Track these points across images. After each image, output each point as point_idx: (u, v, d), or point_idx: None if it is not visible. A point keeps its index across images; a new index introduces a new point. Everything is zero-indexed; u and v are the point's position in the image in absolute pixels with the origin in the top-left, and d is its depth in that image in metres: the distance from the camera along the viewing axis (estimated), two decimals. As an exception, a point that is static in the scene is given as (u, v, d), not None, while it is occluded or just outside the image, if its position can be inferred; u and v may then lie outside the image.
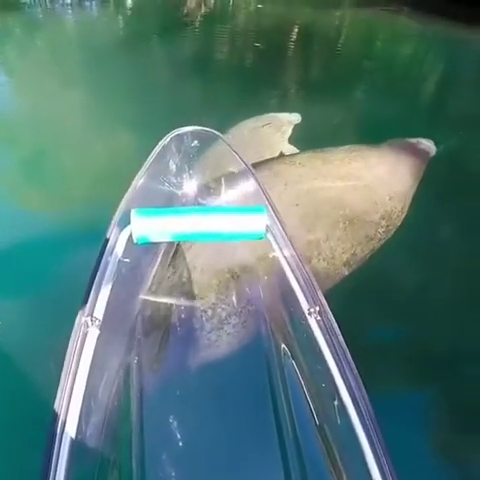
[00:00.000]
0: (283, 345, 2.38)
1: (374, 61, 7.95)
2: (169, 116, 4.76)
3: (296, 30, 9.33)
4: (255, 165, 3.52)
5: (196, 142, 2.94)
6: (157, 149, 2.85)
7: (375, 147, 4.39)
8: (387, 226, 3.61)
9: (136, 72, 6.85)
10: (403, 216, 3.77)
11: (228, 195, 2.94)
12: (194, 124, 2.97)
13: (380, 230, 3.57)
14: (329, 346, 1.96)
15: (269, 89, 6.39)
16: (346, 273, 3.21)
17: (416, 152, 4.55)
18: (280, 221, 2.45)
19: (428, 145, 4.70)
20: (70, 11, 10.25)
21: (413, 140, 4.71)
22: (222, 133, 3.17)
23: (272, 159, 4.31)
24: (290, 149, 4.73)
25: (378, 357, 2.77)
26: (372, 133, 4.90)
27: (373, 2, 10.10)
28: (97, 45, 7.99)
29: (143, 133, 2.96)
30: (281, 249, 2.34)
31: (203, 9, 10.61)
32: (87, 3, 10.69)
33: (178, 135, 2.91)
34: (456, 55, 8.16)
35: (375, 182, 3.88)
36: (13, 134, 5.24)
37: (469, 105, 6.16)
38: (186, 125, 2.97)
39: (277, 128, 5.12)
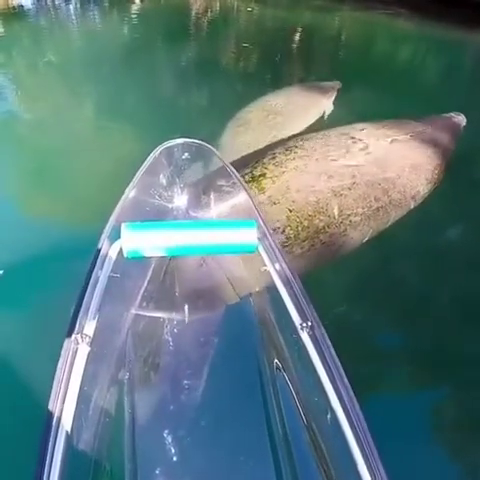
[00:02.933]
0: (275, 359, 2.41)
1: (382, 57, 8.36)
2: (182, 122, 5.25)
3: (299, 33, 9.54)
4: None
5: (187, 154, 2.97)
6: (147, 162, 2.87)
7: (411, 121, 5.03)
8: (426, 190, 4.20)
9: (145, 79, 7.02)
10: (441, 178, 4.38)
11: (219, 208, 2.98)
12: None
13: (420, 194, 4.15)
14: (321, 360, 1.97)
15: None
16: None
17: (450, 124, 5.35)
18: (271, 235, 2.47)
19: (459, 118, 5.46)
20: (74, 19, 10.42)
21: (446, 115, 5.48)
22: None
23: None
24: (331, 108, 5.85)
25: (372, 368, 2.86)
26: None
27: (371, 6, 10.32)
28: (103, 52, 8.13)
29: (152, 142, 3.03)
30: (272, 263, 2.36)
31: (209, 14, 10.74)
32: (91, 12, 10.78)
33: (168, 147, 2.94)
34: (456, 54, 8.53)
35: (415, 153, 4.50)
36: (14, 140, 5.34)
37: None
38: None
39: (323, 92, 6.18)
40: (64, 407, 1.77)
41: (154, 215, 2.88)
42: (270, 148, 4.45)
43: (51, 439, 1.68)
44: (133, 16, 10.45)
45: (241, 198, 2.83)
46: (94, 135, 5.47)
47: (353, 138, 4.49)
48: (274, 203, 3.54)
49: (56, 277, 3.04)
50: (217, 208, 2.99)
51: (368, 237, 3.69)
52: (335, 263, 3.58)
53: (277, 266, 2.35)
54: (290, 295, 2.22)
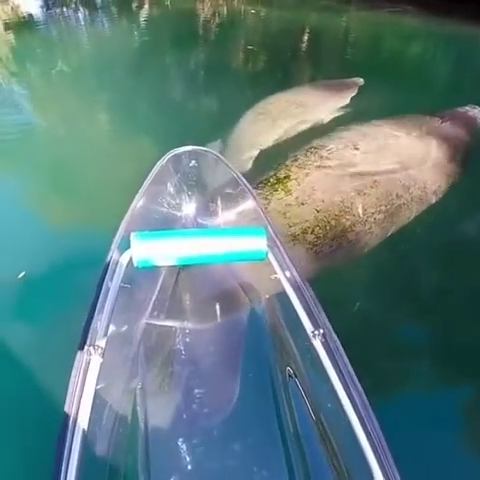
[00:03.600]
0: (288, 367, 2.40)
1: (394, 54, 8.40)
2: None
3: (308, 33, 9.56)
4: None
5: (194, 162, 2.97)
6: (155, 170, 2.88)
7: (428, 116, 5.23)
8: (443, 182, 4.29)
9: (156, 83, 7.08)
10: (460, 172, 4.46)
11: (228, 215, 2.98)
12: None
13: (441, 189, 4.24)
14: (334, 368, 1.97)
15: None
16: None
17: (467, 118, 5.46)
18: (281, 241, 2.47)
19: (475, 111, 5.55)
20: (84, 27, 10.49)
21: (462, 109, 5.61)
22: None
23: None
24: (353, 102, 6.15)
25: (386, 374, 2.85)
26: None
27: (378, 5, 10.31)
28: (113, 59, 8.19)
29: (166, 147, 3.06)
30: (283, 270, 2.36)
31: (217, 18, 10.79)
32: (99, 19, 10.85)
33: (176, 155, 2.95)
34: (466, 49, 8.49)
35: (434, 148, 4.66)
36: (27, 149, 5.36)
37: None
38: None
39: (346, 86, 6.53)
40: (78, 418, 1.79)
41: (163, 224, 2.89)
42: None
43: (66, 449, 1.70)
44: (142, 22, 10.51)
45: (249, 205, 2.83)
46: (108, 142, 5.52)
47: (372, 136, 4.70)
48: (302, 204, 3.74)
49: (67, 288, 3.06)
50: (225, 215, 2.99)
51: (391, 232, 3.81)
52: (355, 260, 3.65)
53: (287, 273, 2.35)
54: (301, 302, 2.23)
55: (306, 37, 9.38)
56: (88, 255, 2.71)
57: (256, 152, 5.03)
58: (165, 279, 2.73)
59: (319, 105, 6.00)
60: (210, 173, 3.00)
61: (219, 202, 3.04)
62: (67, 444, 1.72)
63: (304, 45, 9.12)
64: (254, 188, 3.76)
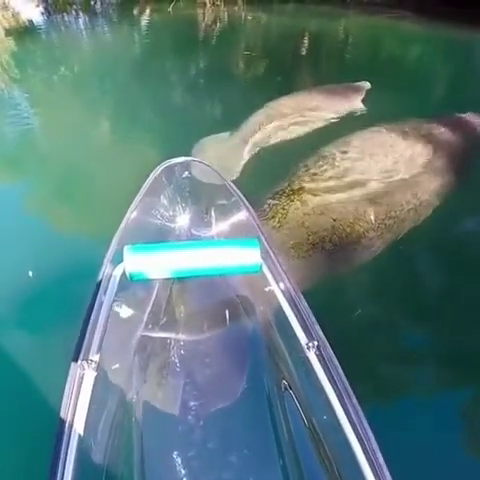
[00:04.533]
0: (283, 380, 2.39)
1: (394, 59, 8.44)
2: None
3: (308, 39, 9.61)
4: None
5: (187, 173, 2.98)
6: (148, 182, 2.89)
7: (432, 121, 5.34)
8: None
9: (158, 90, 7.14)
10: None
11: (222, 227, 2.97)
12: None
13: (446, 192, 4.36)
14: (329, 380, 1.98)
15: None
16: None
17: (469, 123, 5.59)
18: (275, 253, 2.47)
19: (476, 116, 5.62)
20: (85, 34, 10.54)
21: (464, 114, 5.70)
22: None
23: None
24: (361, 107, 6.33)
25: (381, 386, 2.84)
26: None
27: (376, 10, 10.34)
28: (114, 65, 8.27)
29: (167, 154, 3.09)
30: (277, 282, 2.36)
31: (218, 24, 10.82)
32: (100, 26, 10.90)
33: (168, 167, 2.95)
34: (462, 54, 8.51)
35: (439, 152, 4.79)
36: (29, 157, 5.47)
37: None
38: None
39: (353, 90, 6.71)
40: (72, 433, 1.79)
41: (156, 236, 2.88)
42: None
43: (61, 463, 1.71)
44: (143, 29, 10.57)
45: (243, 216, 2.82)
46: (108, 150, 5.56)
47: (378, 142, 4.91)
48: (319, 214, 3.93)
49: (59, 301, 3.06)
50: (219, 226, 2.99)
51: (401, 236, 3.96)
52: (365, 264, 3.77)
53: (282, 285, 2.35)
54: (296, 315, 2.23)
55: (307, 42, 9.42)
56: (82, 267, 2.70)
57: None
58: (159, 292, 2.72)
59: (328, 109, 6.13)
60: (203, 184, 3.00)
61: (213, 213, 3.04)
62: (61, 459, 1.72)
63: (305, 50, 9.16)
64: (270, 198, 4.11)
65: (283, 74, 7.68)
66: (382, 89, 6.55)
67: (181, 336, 2.63)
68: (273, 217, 3.88)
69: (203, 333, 2.64)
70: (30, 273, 3.39)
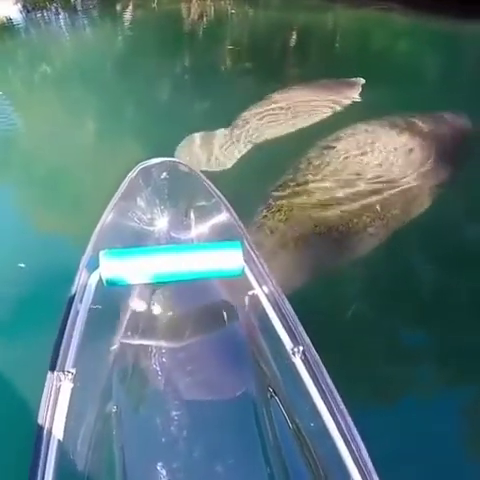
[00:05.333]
0: (268, 386, 2.36)
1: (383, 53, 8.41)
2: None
3: (296, 33, 9.48)
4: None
5: (165, 174, 2.90)
6: (124, 184, 2.83)
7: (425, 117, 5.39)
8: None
9: (142, 88, 6.99)
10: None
11: (202, 229, 2.92)
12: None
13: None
14: (316, 386, 1.96)
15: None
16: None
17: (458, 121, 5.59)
18: (257, 255, 2.45)
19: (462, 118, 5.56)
20: (65, 31, 10.27)
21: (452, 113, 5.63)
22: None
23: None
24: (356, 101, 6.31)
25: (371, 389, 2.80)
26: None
27: (364, 3, 10.28)
28: (97, 63, 8.06)
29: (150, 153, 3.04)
30: (260, 286, 2.35)
31: (205, 19, 10.71)
32: (81, 23, 10.63)
33: (146, 168, 2.89)
34: (451, 47, 8.44)
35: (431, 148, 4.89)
36: (9, 158, 5.33)
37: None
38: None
39: (348, 86, 6.71)
40: (49, 448, 1.75)
41: (134, 240, 2.82)
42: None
43: (39, 478, 1.66)
44: (126, 25, 10.37)
45: (224, 218, 2.78)
46: (89, 150, 5.47)
47: (372, 137, 4.97)
48: (326, 205, 4.08)
49: (34, 310, 2.99)
50: (200, 229, 2.93)
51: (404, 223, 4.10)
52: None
53: (265, 289, 2.33)
54: (280, 319, 2.21)
55: (295, 36, 9.31)
56: (59, 273, 2.64)
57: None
58: (138, 297, 2.67)
59: (322, 104, 6.17)
60: (182, 185, 2.93)
61: (193, 215, 2.97)
62: (39, 475, 1.67)
63: (294, 44, 9.05)
64: (273, 191, 4.24)
65: (272, 69, 7.59)
66: (373, 84, 6.53)
67: (162, 343, 2.58)
68: (279, 210, 3.98)
69: (185, 340, 2.58)
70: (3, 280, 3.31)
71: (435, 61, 7.99)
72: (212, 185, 2.89)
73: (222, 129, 5.59)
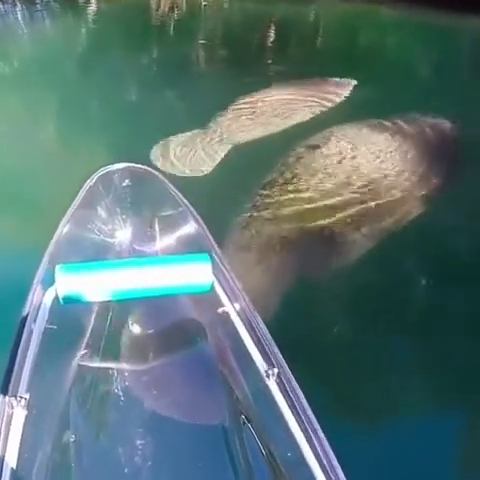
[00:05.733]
0: (241, 411, 2.23)
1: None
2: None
3: (275, 27, 9.30)
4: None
5: (128, 181, 2.76)
6: (82, 192, 2.68)
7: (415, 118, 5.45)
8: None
9: (105, 86, 6.76)
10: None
11: (168, 241, 2.79)
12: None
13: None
14: (292, 411, 1.85)
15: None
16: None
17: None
18: (228, 269, 2.34)
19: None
20: (23, 25, 9.89)
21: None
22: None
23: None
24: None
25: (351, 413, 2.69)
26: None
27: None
28: (57, 59, 7.78)
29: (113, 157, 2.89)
30: (231, 302, 2.24)
31: (176, 12, 10.44)
32: (40, 16, 10.22)
33: (106, 174, 2.74)
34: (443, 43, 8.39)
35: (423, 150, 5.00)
36: None
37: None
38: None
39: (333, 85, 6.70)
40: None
41: (94, 254, 2.67)
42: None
43: None
44: (89, 19, 10.04)
45: (192, 229, 2.67)
46: (54, 154, 5.24)
47: (353, 144, 4.99)
48: (314, 202, 4.13)
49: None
50: (165, 241, 2.79)
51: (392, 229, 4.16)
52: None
53: (237, 306, 2.22)
54: (253, 338, 2.10)
55: (274, 31, 9.09)
56: (8, 289, 2.55)
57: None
58: (98, 316, 2.52)
59: (304, 104, 6.16)
60: (147, 193, 2.79)
61: (158, 226, 2.83)
62: None
63: (272, 40, 8.85)
64: (261, 189, 4.27)
65: (249, 66, 7.44)
66: (359, 83, 6.48)
67: (124, 365, 2.44)
68: (266, 209, 4.02)
69: (149, 361, 2.45)
70: None
71: (426, 58, 7.91)
72: (179, 193, 2.75)
73: (196, 130, 5.48)
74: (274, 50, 8.65)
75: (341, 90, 6.53)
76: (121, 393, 2.35)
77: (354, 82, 6.61)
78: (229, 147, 5.19)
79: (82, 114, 5.97)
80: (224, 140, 5.34)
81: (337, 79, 6.76)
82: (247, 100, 6.03)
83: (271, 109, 5.90)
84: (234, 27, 9.86)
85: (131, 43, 8.54)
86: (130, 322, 2.55)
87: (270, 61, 8.11)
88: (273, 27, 9.30)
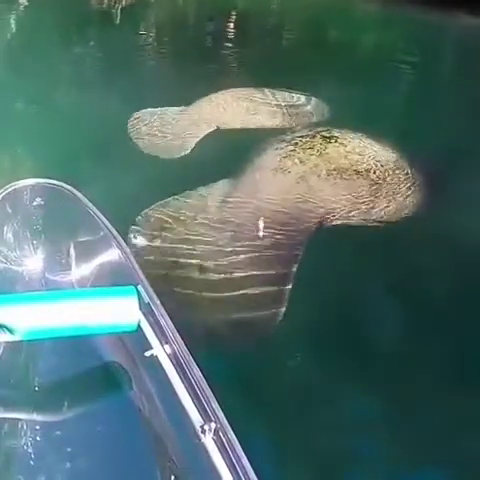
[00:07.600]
0: (171, 473, 1.97)
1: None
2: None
3: (233, 20, 9.09)
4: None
5: (39, 200, 2.54)
6: None
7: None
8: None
9: (37, 84, 6.38)
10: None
11: (86, 271, 2.57)
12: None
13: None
14: (231, 472, 1.66)
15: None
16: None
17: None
18: (157, 305, 2.11)
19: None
20: None
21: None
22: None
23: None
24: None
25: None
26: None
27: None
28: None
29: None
30: (161, 344, 2.02)
31: (123, 1, 10.00)
32: None
33: (13, 192, 2.48)
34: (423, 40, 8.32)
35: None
36: None
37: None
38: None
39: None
40: None
41: None
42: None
43: None
44: (21, 8, 9.53)
45: (115, 256, 2.43)
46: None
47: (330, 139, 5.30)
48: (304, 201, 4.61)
49: None
50: (84, 270, 2.57)
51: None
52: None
53: (167, 348, 2.00)
54: (186, 388, 1.89)
55: (233, 24, 8.83)
56: None
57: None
58: (4, 359, 2.21)
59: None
60: (62, 214, 2.59)
61: (74, 253, 2.59)
62: None
63: (231, 35, 8.59)
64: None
65: (202, 66, 7.16)
66: (326, 87, 6.32)
67: (35, 417, 2.16)
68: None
69: (64, 413, 2.18)
70: None
71: (406, 57, 7.60)
72: (100, 214, 2.51)
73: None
74: (231, 47, 8.38)
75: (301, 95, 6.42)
76: (31, 450, 2.05)
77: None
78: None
79: (6, 117, 5.54)
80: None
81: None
82: (194, 108, 5.99)
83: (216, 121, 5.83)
84: (187, 19, 9.62)
85: (68, 37, 8.28)
86: (41, 367, 2.29)
87: (225, 60, 7.91)
88: (232, 20, 9.08)
